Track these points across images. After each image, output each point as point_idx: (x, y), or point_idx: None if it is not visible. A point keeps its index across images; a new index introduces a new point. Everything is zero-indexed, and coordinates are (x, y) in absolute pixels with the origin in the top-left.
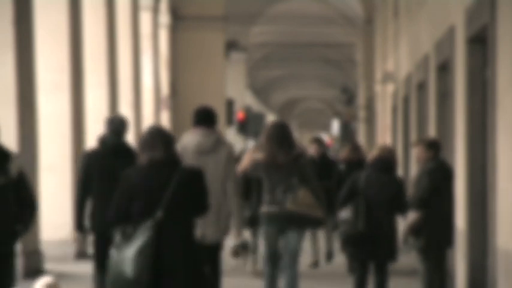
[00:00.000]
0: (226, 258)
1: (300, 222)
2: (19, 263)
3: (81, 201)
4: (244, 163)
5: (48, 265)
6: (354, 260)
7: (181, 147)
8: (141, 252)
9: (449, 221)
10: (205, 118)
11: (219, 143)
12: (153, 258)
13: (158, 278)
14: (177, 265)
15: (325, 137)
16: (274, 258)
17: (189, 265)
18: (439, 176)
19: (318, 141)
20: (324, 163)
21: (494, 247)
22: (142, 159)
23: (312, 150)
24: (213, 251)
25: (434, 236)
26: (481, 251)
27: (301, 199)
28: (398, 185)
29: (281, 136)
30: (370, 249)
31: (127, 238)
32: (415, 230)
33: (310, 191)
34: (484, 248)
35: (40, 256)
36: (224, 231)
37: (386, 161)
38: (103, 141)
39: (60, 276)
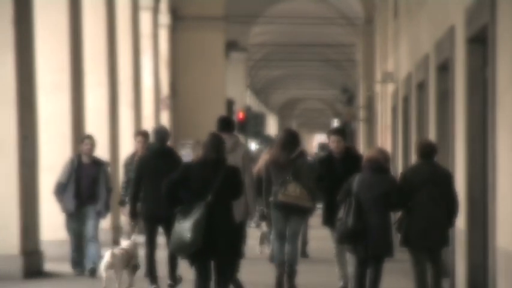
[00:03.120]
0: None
1: (292, 210)
2: (19, 264)
3: (135, 195)
4: (259, 164)
5: (48, 265)
6: (352, 255)
7: None
8: (197, 224)
9: (425, 223)
10: (226, 125)
11: (237, 144)
12: (205, 228)
13: (207, 241)
14: (222, 232)
15: (325, 137)
16: (280, 237)
17: (229, 232)
18: (409, 179)
19: (338, 133)
20: (348, 160)
21: (494, 247)
22: (201, 156)
23: (332, 145)
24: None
25: (406, 235)
26: (481, 251)
27: (289, 192)
28: (390, 185)
29: (286, 141)
30: (363, 246)
31: (185, 215)
32: (397, 227)
33: (301, 185)
34: (484, 248)
35: (40, 256)
36: (243, 214)
37: (377, 162)
38: (150, 147)
39: (60, 276)
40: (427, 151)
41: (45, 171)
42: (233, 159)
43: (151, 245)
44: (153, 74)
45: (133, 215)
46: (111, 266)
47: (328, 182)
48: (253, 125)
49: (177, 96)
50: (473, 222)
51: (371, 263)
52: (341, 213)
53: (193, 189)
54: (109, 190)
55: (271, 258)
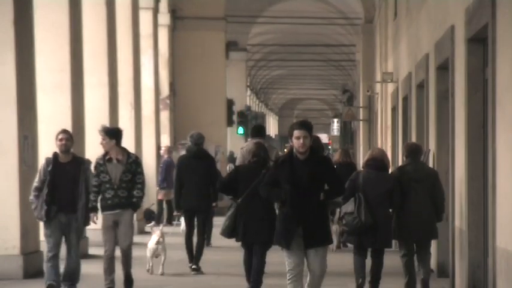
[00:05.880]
0: None
1: None
2: (19, 264)
3: (178, 190)
4: None
5: None
6: (355, 246)
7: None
8: (231, 216)
9: (412, 218)
10: (259, 132)
11: (270, 148)
12: (244, 219)
13: (247, 229)
14: (258, 222)
15: (325, 137)
16: None
17: (265, 223)
18: (398, 178)
19: (305, 127)
20: (313, 163)
21: (494, 247)
22: (248, 160)
23: (296, 142)
24: None
25: (397, 229)
26: (481, 251)
27: None
28: (393, 182)
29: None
30: (370, 238)
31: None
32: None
33: None
34: (484, 248)
35: (40, 256)
36: None
37: (381, 161)
38: (188, 149)
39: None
40: (413, 151)
41: None
42: None
43: (190, 232)
44: (153, 74)
45: (178, 208)
46: (157, 252)
47: (286, 191)
48: (253, 125)
49: (177, 96)
50: (473, 222)
51: (372, 251)
52: (349, 209)
53: (242, 184)
54: (90, 192)
55: None
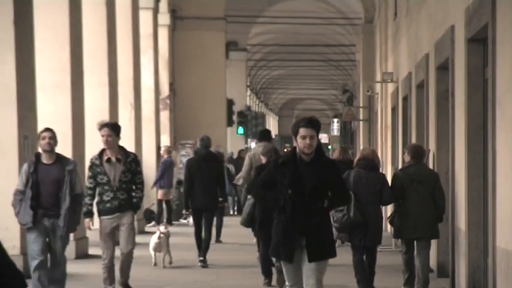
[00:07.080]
0: None
1: None
2: (20, 263)
3: (187, 191)
4: None
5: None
6: (351, 247)
7: (252, 153)
8: (246, 207)
9: (414, 217)
10: (266, 136)
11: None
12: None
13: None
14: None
15: (325, 137)
16: None
17: None
18: (401, 178)
19: (312, 125)
20: (319, 166)
21: (494, 247)
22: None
23: (301, 142)
24: None
25: (398, 228)
26: (481, 251)
27: None
28: (382, 181)
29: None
30: (360, 236)
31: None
32: (390, 221)
33: None
34: (484, 248)
35: None
36: None
37: (372, 160)
38: (197, 151)
39: None
40: (418, 153)
41: None
42: None
43: (198, 228)
44: (153, 74)
45: (187, 207)
46: (159, 247)
47: (286, 196)
48: (253, 125)
49: (177, 96)
50: (473, 222)
51: (366, 250)
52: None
53: None
54: (75, 197)
55: None
